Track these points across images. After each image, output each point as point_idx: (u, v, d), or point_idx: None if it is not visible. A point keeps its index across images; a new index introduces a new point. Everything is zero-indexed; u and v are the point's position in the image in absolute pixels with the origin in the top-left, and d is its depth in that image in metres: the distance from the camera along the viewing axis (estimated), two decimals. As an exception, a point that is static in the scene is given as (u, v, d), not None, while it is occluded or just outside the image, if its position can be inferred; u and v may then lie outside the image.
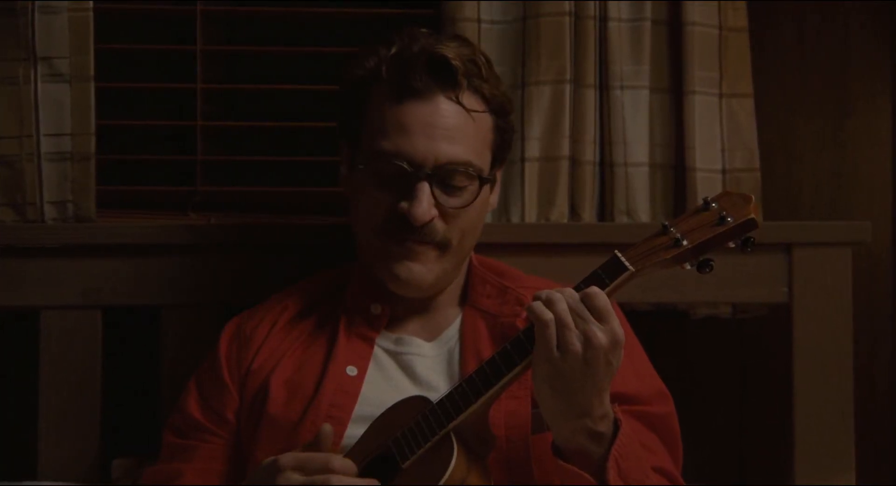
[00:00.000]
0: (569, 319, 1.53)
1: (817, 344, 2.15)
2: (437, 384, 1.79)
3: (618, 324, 1.55)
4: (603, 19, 2.22)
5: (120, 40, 2.32)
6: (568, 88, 2.20)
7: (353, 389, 1.79)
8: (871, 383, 2.36)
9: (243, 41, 2.42)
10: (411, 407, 1.66)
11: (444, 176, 1.77)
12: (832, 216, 2.38)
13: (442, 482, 1.57)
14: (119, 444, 2.17)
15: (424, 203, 1.75)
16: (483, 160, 1.81)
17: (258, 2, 2.36)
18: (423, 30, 1.84)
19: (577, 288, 1.57)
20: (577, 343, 1.53)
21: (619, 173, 2.22)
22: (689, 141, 2.22)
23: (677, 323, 2.32)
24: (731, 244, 1.56)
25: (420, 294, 1.84)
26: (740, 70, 2.25)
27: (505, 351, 1.60)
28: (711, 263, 1.56)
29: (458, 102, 1.78)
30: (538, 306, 1.55)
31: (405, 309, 1.87)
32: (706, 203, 1.58)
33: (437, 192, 1.77)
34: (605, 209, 2.24)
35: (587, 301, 1.55)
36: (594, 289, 1.55)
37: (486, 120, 1.82)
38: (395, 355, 1.84)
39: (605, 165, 2.24)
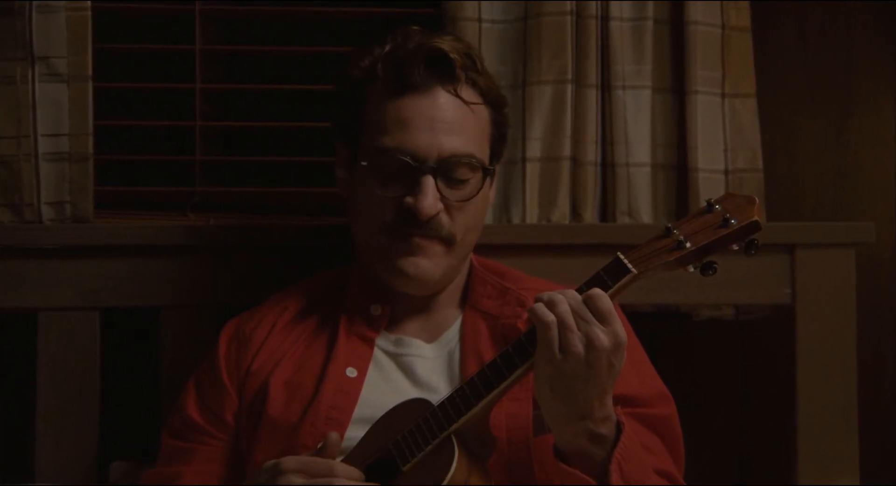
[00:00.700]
0: (571, 320, 1.53)
1: (820, 346, 2.15)
2: (438, 386, 1.79)
3: (620, 326, 1.55)
4: (605, 19, 2.22)
5: (118, 40, 2.32)
6: (569, 88, 2.20)
7: (353, 390, 1.79)
8: (875, 385, 2.36)
9: (243, 41, 2.43)
10: (412, 410, 1.66)
11: (448, 169, 1.78)
12: (835, 217, 2.38)
13: (443, 485, 1.56)
14: (117, 446, 2.16)
15: (430, 196, 1.76)
16: (483, 152, 1.83)
17: (258, 1, 2.35)
18: (416, 28, 1.85)
19: (580, 290, 1.57)
20: (578, 345, 1.52)
21: (620, 174, 2.22)
22: (691, 141, 2.22)
23: (679, 324, 2.32)
24: (735, 247, 1.56)
25: (426, 291, 1.84)
26: (743, 70, 2.25)
27: (506, 354, 1.59)
28: (715, 266, 1.56)
29: (457, 95, 1.80)
30: (540, 307, 1.55)
31: (405, 310, 1.87)
32: (710, 205, 1.57)
33: (441, 185, 1.78)
34: (606, 210, 2.24)
35: (590, 303, 1.54)
36: (597, 291, 1.55)
37: (483, 112, 1.84)
38: (394, 357, 1.83)
39: (607, 166, 2.24)
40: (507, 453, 1.70)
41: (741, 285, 2.14)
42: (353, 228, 1.88)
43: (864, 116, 2.38)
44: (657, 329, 2.19)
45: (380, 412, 1.70)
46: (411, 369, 1.82)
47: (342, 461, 1.66)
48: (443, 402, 1.62)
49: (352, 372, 1.80)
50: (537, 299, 1.56)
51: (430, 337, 1.85)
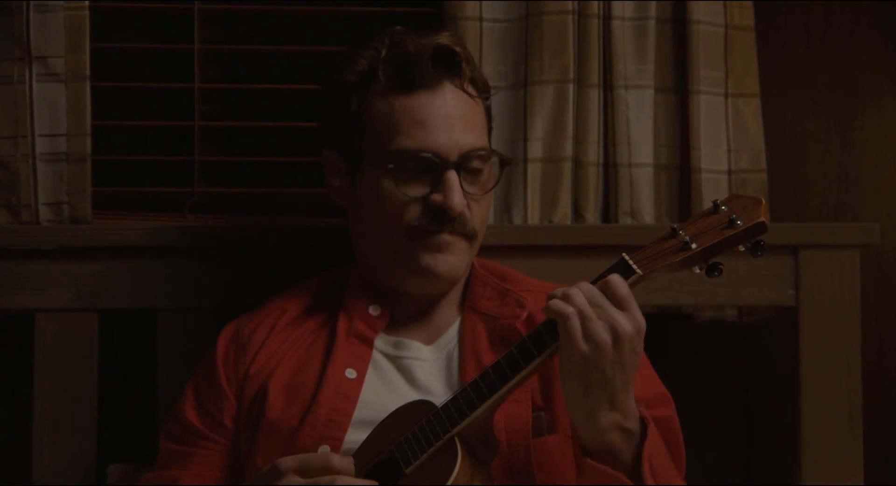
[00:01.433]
0: (590, 310, 1.53)
1: (825, 347, 2.14)
2: (436, 389, 1.79)
3: (639, 310, 1.55)
4: (607, 18, 2.21)
5: (116, 39, 2.31)
6: (571, 88, 2.19)
7: (352, 392, 1.78)
8: (879, 386, 2.35)
9: (242, 40, 2.42)
10: (415, 411, 1.66)
11: (468, 164, 1.80)
12: (839, 218, 2.37)
13: None
14: (115, 449, 2.16)
15: (458, 192, 1.77)
16: (487, 143, 1.86)
17: (257, 0, 2.35)
18: (400, 28, 1.84)
19: None
20: (603, 334, 1.53)
21: (622, 174, 2.21)
22: (694, 141, 2.21)
23: (683, 325, 2.31)
24: (741, 248, 1.56)
25: (444, 289, 1.85)
26: (746, 69, 2.24)
27: (510, 356, 1.59)
28: (721, 267, 1.56)
29: (464, 90, 1.81)
30: (556, 302, 1.55)
31: (404, 312, 1.86)
32: (715, 206, 1.57)
33: (463, 180, 1.79)
34: (608, 211, 2.23)
35: (607, 290, 1.55)
36: (613, 277, 1.55)
37: (481, 105, 1.86)
38: (394, 359, 1.83)
39: (609, 166, 2.23)
40: (507, 455, 1.70)
41: (744, 286, 2.14)
42: (355, 234, 1.88)
43: (868, 116, 2.37)
44: (660, 330, 2.18)
45: (379, 414, 1.70)
46: (410, 372, 1.81)
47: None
48: (446, 404, 1.62)
49: (351, 373, 1.79)
50: (550, 297, 1.56)
51: (429, 339, 1.85)
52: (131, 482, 2.04)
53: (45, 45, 2.14)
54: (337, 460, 1.60)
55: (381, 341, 1.84)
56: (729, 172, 2.23)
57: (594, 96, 2.20)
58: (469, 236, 1.81)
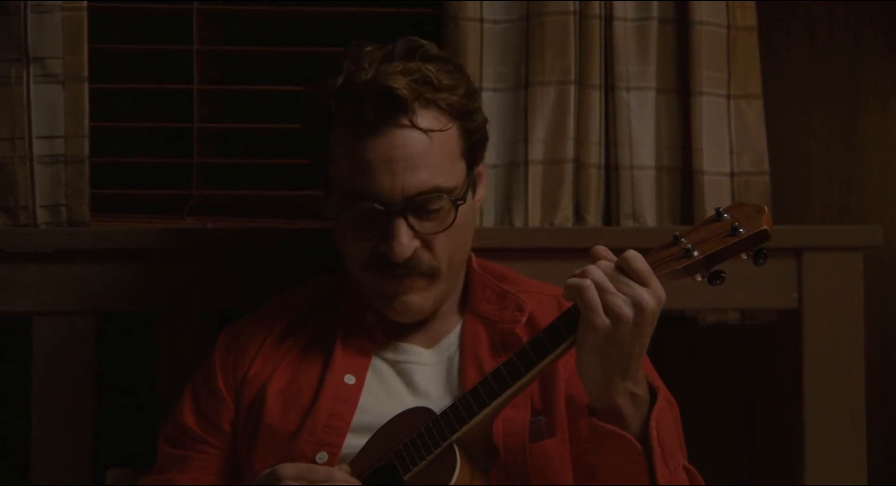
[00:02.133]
0: (608, 283, 1.54)
1: (828, 351, 2.13)
2: (436, 394, 1.78)
3: (658, 283, 1.55)
4: (608, 18, 2.20)
5: (114, 40, 2.31)
6: (572, 89, 2.18)
7: (351, 398, 1.77)
8: (883, 390, 2.34)
9: (241, 41, 2.41)
10: (415, 418, 1.65)
11: (417, 205, 1.75)
12: (843, 220, 2.36)
13: None
14: (113, 453, 2.16)
15: (403, 239, 1.73)
16: (454, 174, 1.78)
17: (256, 1, 2.34)
18: (370, 48, 1.79)
19: None
20: (625, 308, 1.53)
21: (624, 176, 2.21)
22: (696, 143, 2.20)
23: (685, 329, 2.30)
24: (744, 256, 1.55)
25: (420, 318, 1.82)
26: (749, 70, 2.23)
27: (511, 362, 1.59)
28: (723, 275, 1.56)
29: (415, 126, 1.74)
30: (572, 278, 1.55)
31: (403, 319, 1.86)
32: (718, 214, 1.57)
33: (414, 221, 1.75)
34: (610, 213, 2.22)
35: (627, 266, 1.55)
36: (631, 252, 1.55)
37: (449, 132, 1.78)
38: (393, 364, 1.82)
39: (611, 168, 2.22)
40: (503, 458, 1.69)
41: (747, 290, 2.12)
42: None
43: (872, 118, 2.36)
44: (662, 333, 2.17)
45: (378, 419, 1.70)
46: (410, 377, 1.80)
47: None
48: (446, 410, 1.62)
49: (350, 379, 1.79)
50: (568, 281, 1.56)
51: (430, 343, 1.84)
52: (129, 486, 2.05)
53: (43, 45, 2.13)
54: (340, 473, 1.61)
55: (380, 347, 1.83)
56: (731, 174, 2.22)
57: (595, 98, 2.20)
58: (429, 275, 1.78)
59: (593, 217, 2.20)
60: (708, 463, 1.79)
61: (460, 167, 1.79)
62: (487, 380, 1.60)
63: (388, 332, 1.84)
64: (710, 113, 2.20)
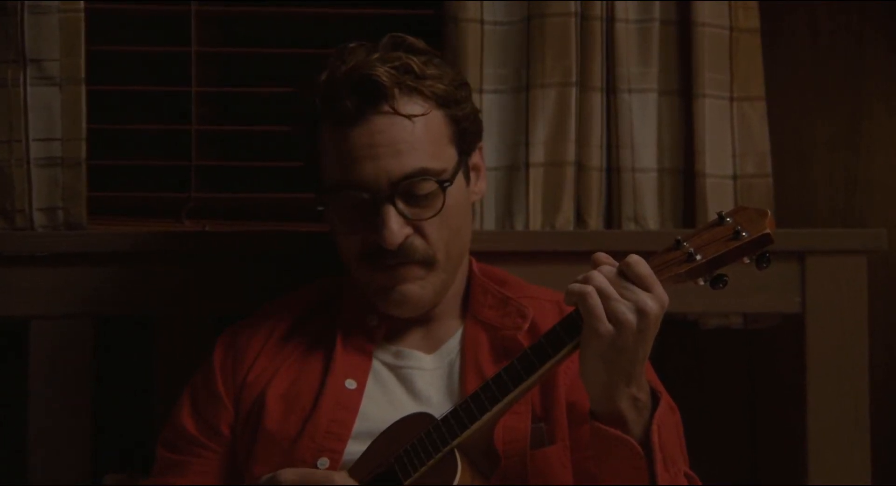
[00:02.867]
0: (611, 289, 1.53)
1: (831, 355, 2.14)
2: (437, 400, 1.78)
3: (661, 288, 1.55)
4: (610, 20, 2.20)
5: (112, 42, 2.31)
6: (574, 91, 2.18)
7: (352, 403, 1.77)
8: (887, 394, 2.33)
9: (239, 43, 2.41)
10: (415, 423, 1.66)
11: (405, 190, 1.74)
12: (846, 223, 2.36)
13: None
14: (111, 458, 2.16)
15: (393, 225, 1.72)
16: (443, 159, 1.77)
17: (254, 2, 2.34)
18: (354, 45, 1.80)
19: None
20: (628, 314, 1.53)
21: (626, 179, 2.20)
22: (698, 145, 2.20)
23: (688, 333, 2.30)
24: (747, 260, 1.55)
25: (422, 311, 1.81)
26: (751, 72, 2.23)
27: (512, 367, 1.59)
28: (725, 279, 1.55)
29: (396, 112, 1.74)
30: (574, 284, 1.55)
31: (404, 321, 1.84)
32: (721, 217, 1.56)
33: (403, 207, 1.74)
34: (612, 216, 2.22)
35: (629, 271, 1.54)
36: (633, 256, 1.55)
37: (433, 118, 1.77)
38: (394, 369, 1.82)
39: (612, 171, 2.22)
40: (504, 466, 1.69)
41: (750, 294, 2.12)
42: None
43: (875, 120, 2.36)
44: (665, 338, 2.17)
45: (379, 425, 1.69)
46: (411, 382, 1.80)
47: (342, 475, 1.66)
48: (446, 416, 1.62)
49: (351, 384, 1.78)
50: (570, 287, 1.55)
51: (431, 348, 1.83)
52: (127, 491, 2.05)
53: (40, 47, 2.13)
54: (340, 479, 1.61)
55: (381, 351, 1.83)
56: (734, 177, 2.22)
57: (597, 100, 2.19)
58: (425, 263, 1.77)
59: (595, 220, 2.20)
60: (711, 467, 1.80)
61: (450, 152, 1.79)
62: (489, 385, 1.60)
63: (388, 335, 1.84)
64: (713, 115, 2.20)
